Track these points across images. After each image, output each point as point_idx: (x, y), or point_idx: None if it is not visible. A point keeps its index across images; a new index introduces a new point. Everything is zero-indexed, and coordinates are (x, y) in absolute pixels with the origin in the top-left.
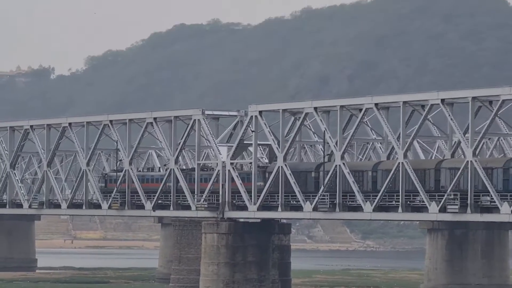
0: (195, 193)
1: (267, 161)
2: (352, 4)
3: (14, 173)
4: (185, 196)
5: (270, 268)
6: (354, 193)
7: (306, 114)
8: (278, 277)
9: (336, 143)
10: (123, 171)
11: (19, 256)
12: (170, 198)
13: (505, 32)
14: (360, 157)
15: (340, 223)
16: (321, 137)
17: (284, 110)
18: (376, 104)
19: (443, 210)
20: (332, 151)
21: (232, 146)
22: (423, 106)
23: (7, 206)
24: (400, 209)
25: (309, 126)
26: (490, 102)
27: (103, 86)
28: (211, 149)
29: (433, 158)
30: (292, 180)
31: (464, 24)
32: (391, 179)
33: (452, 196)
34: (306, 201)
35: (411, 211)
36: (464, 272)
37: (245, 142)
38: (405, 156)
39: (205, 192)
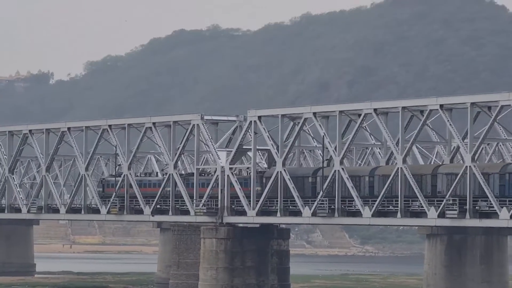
0: (194, 198)
1: (266, 166)
2: (351, 10)
3: (13, 177)
4: (184, 201)
5: (269, 273)
6: (353, 198)
7: (305, 119)
8: (277, 282)
9: (335, 148)
10: (122, 176)
11: (17, 260)
12: (169, 203)
13: (504, 38)
14: (359, 162)
15: (339, 228)
16: (320, 142)
17: (283, 115)
18: (375, 110)
19: (442, 215)
20: (331, 156)
21: (231, 151)
22: (422, 112)
23: (6, 211)
24: (399, 214)
25: (308, 131)
26: (489, 108)
27: (102, 91)
28: (210, 154)
29: (431, 163)
30: (291, 185)
31: (463, 30)
32: (389, 184)
33: (450, 201)
34: (305, 206)
35: (410, 216)
36: (463, 277)
37: (244, 147)
38: (404, 161)
39: (204, 197)
